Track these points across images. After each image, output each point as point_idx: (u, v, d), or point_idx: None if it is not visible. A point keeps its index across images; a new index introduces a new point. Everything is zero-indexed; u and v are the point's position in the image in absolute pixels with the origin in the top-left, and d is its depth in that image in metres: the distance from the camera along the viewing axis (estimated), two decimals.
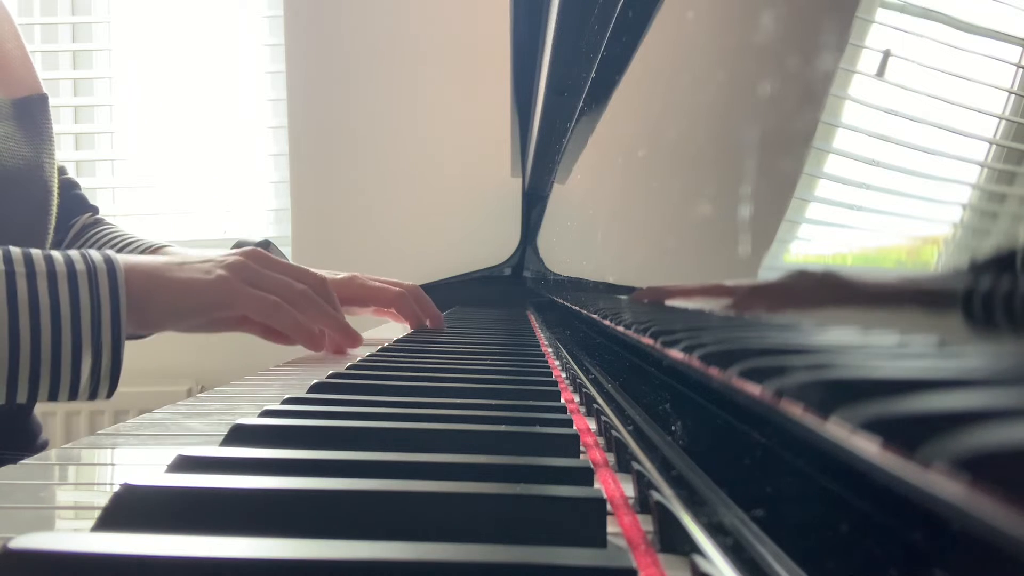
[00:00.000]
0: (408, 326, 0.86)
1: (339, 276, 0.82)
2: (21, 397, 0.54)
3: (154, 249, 0.85)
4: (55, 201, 0.78)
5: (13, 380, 0.53)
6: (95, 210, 0.92)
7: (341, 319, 0.69)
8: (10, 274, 0.53)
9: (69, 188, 0.89)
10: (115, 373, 0.57)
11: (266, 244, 0.88)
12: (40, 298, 0.53)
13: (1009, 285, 0.12)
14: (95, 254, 0.58)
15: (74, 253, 0.57)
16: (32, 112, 0.77)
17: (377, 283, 0.83)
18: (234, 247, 0.80)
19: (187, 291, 0.61)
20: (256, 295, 0.63)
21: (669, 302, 0.32)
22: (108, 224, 0.90)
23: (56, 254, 0.56)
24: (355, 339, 0.70)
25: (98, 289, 0.55)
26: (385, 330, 0.96)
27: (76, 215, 0.90)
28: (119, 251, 0.83)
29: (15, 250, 0.55)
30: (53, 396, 0.54)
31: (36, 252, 0.56)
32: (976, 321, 0.12)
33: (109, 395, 0.57)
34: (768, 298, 0.22)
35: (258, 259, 0.66)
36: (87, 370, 0.55)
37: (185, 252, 0.85)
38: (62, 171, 0.88)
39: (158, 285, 0.60)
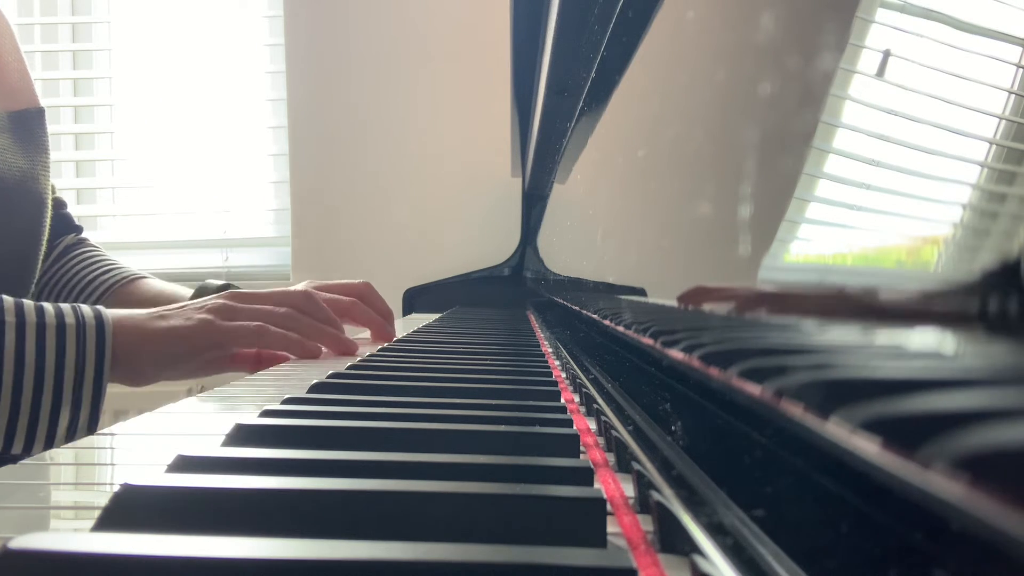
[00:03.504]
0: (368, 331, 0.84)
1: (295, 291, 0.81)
2: None
3: (130, 280, 0.87)
4: (49, 213, 0.79)
5: None
6: (79, 230, 0.95)
7: (331, 330, 0.69)
8: (0, 323, 0.54)
9: (58, 207, 0.91)
10: (92, 428, 0.57)
11: (228, 287, 0.88)
12: (27, 350, 0.54)
13: (1009, 285, 0.12)
14: (86, 309, 0.58)
15: (65, 306, 0.58)
16: (29, 125, 0.77)
17: (329, 294, 0.81)
18: (197, 291, 0.82)
19: (173, 339, 0.62)
20: (239, 326, 0.64)
21: (712, 306, 0.32)
22: (91, 247, 0.93)
23: (48, 306, 0.57)
24: (350, 347, 0.70)
25: (84, 344, 0.56)
26: None
27: (62, 234, 0.92)
28: (98, 275, 0.85)
29: (7, 299, 0.55)
30: (28, 447, 0.55)
31: (28, 303, 0.56)
32: (976, 321, 0.12)
33: None
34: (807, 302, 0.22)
35: (235, 297, 0.67)
36: (64, 424, 0.55)
37: (163, 288, 0.87)
38: (52, 189, 0.89)
39: (144, 338, 0.61)
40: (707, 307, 0.27)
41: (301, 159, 1.64)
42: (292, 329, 0.66)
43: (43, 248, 0.78)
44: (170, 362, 0.63)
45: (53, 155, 0.81)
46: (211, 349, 0.63)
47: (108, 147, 1.80)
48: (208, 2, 1.74)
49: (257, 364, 0.70)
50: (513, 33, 0.89)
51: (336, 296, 0.78)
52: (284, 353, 0.67)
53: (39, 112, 0.80)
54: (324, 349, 0.71)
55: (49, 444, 0.55)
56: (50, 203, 0.79)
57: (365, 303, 0.80)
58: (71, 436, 0.56)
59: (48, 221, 0.79)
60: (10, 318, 0.54)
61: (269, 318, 0.66)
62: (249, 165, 1.74)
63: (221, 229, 1.73)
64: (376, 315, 0.81)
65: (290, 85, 1.63)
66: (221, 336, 0.63)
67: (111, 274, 0.88)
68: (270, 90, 1.72)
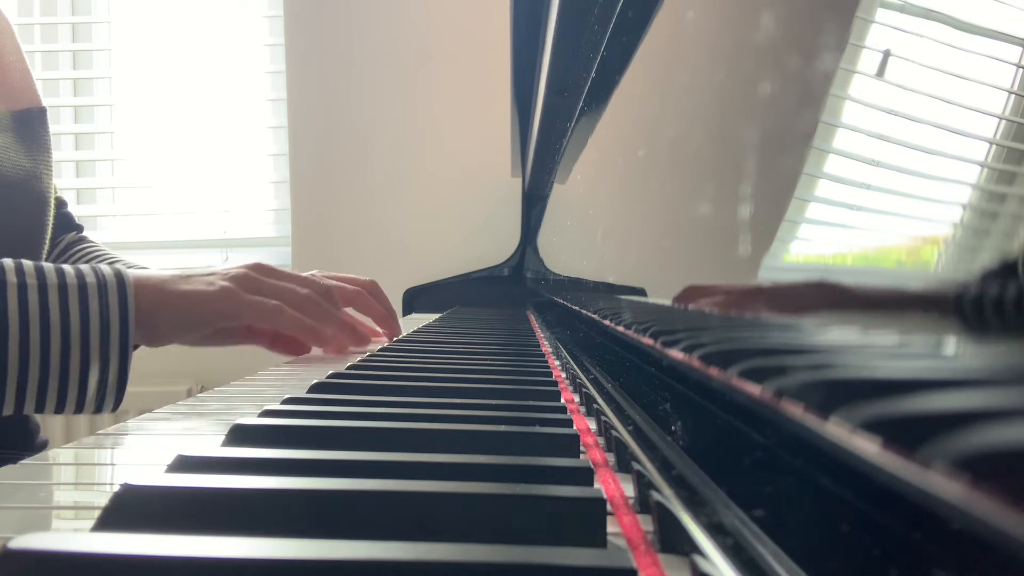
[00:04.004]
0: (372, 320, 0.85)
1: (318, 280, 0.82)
2: (28, 408, 0.54)
3: (136, 270, 0.88)
4: (51, 212, 0.79)
5: (21, 391, 0.53)
6: (80, 228, 0.96)
7: (348, 322, 0.70)
8: (21, 286, 0.54)
9: (58, 206, 0.91)
10: (121, 386, 0.57)
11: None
12: (51, 310, 0.54)
13: (1009, 285, 0.12)
14: (105, 268, 0.58)
15: (85, 267, 0.58)
16: (31, 124, 0.78)
17: (335, 282, 0.83)
18: None
19: (192, 303, 0.62)
20: (258, 301, 0.64)
21: (708, 305, 0.32)
22: (92, 243, 0.93)
23: (67, 267, 0.57)
24: (363, 338, 0.71)
25: (107, 301, 0.56)
26: None
27: (63, 233, 0.92)
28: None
29: (27, 263, 0.55)
30: (60, 408, 0.55)
31: (48, 265, 0.56)
32: (976, 321, 0.12)
33: (115, 408, 0.58)
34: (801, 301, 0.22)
35: (260, 270, 0.67)
36: (94, 382, 0.55)
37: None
38: (53, 188, 0.90)
39: (165, 298, 0.61)
40: (706, 307, 0.28)
41: (301, 159, 1.64)
42: (309, 313, 0.66)
43: (46, 247, 0.78)
44: (187, 325, 0.63)
45: (53, 155, 0.81)
46: (228, 318, 0.63)
47: (108, 147, 1.80)
48: (208, 2, 1.74)
49: (272, 343, 0.70)
50: (513, 33, 0.89)
51: (342, 284, 0.79)
52: (295, 334, 0.67)
53: (41, 112, 0.80)
54: (321, 351, 0.71)
55: (80, 404, 0.55)
56: (53, 202, 0.80)
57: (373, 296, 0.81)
58: (101, 395, 0.56)
59: (51, 220, 0.79)
60: (31, 280, 0.54)
61: (290, 297, 0.66)
62: (249, 165, 1.74)
63: (221, 229, 1.73)
64: (378, 306, 0.82)
65: (290, 85, 1.63)
66: (240, 306, 0.63)
67: (115, 266, 0.88)
68: (270, 90, 1.72)
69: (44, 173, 0.77)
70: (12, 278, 0.54)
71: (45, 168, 0.78)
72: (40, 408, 0.54)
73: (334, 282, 0.78)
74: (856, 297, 0.17)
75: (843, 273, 0.18)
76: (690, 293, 0.29)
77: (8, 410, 0.53)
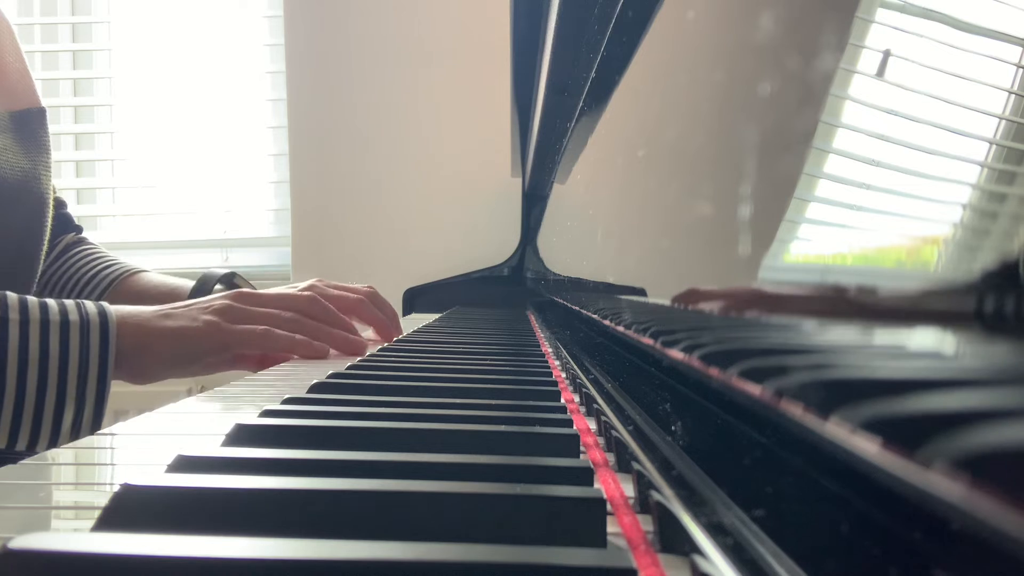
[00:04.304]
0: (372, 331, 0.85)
1: (299, 287, 0.81)
2: (0, 443, 0.54)
3: (132, 274, 0.87)
4: (50, 213, 0.79)
5: None
6: (79, 229, 0.95)
7: (339, 334, 0.69)
8: (3, 320, 0.54)
9: (57, 207, 0.91)
10: (96, 424, 0.57)
11: (231, 276, 0.88)
12: (30, 347, 0.54)
13: (1009, 285, 0.12)
14: (90, 305, 0.58)
15: (69, 303, 0.58)
16: (30, 125, 0.78)
17: (334, 293, 0.82)
18: (199, 282, 0.82)
19: (178, 340, 0.62)
20: (245, 329, 0.64)
21: (702, 306, 0.32)
22: (91, 244, 0.94)
23: (51, 302, 0.57)
24: (358, 347, 0.70)
25: (88, 341, 0.56)
26: None
27: (62, 234, 0.92)
28: (99, 271, 0.85)
29: (11, 296, 0.55)
30: (32, 446, 0.55)
31: (32, 299, 0.56)
32: (976, 321, 0.12)
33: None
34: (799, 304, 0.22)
35: (241, 299, 0.67)
36: (68, 421, 0.55)
37: (165, 280, 0.88)
38: (52, 189, 0.89)
39: (149, 336, 0.61)
40: (705, 307, 0.28)
41: (301, 159, 1.64)
42: (298, 332, 0.66)
43: (45, 247, 0.78)
44: (174, 362, 0.63)
45: (53, 155, 0.81)
46: (215, 352, 0.64)
47: (108, 147, 1.80)
48: (208, 2, 1.74)
49: (261, 365, 0.70)
50: (513, 33, 0.90)
51: (343, 293, 0.79)
52: (288, 353, 0.67)
53: (40, 112, 0.80)
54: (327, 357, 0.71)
55: (54, 442, 0.55)
56: (52, 203, 0.80)
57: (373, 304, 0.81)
58: (75, 433, 0.56)
59: (50, 221, 0.79)
60: (14, 315, 0.54)
61: (275, 322, 0.66)
62: (249, 165, 1.74)
63: (221, 229, 1.73)
64: (380, 315, 0.81)
65: (290, 85, 1.63)
66: (227, 338, 0.63)
67: (112, 269, 0.88)
68: (270, 90, 1.72)
69: (43, 174, 0.77)
70: None
71: (44, 169, 0.78)
72: (13, 443, 0.54)
73: (332, 291, 0.78)
74: (856, 297, 0.17)
75: (843, 273, 0.18)
76: (692, 296, 0.29)
77: None
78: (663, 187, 0.36)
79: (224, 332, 0.63)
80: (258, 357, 0.69)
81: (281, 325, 0.66)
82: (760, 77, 0.23)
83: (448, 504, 0.20)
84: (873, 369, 0.16)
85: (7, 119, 0.75)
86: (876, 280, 0.16)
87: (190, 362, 0.63)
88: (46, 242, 0.79)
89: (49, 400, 0.54)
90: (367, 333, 0.83)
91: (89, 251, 0.91)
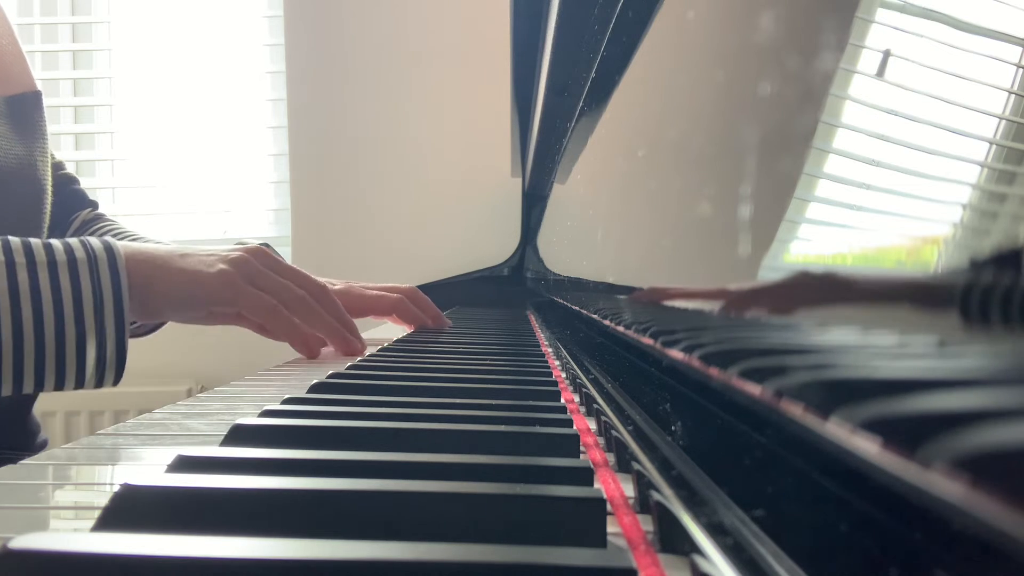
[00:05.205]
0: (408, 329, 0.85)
1: (335, 286, 0.81)
2: (27, 388, 0.54)
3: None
4: (48, 199, 0.78)
5: (19, 371, 0.53)
6: (95, 205, 0.92)
7: (338, 327, 0.69)
8: (10, 264, 0.53)
9: (68, 183, 0.89)
10: (120, 359, 0.57)
11: (265, 247, 0.88)
12: (41, 288, 0.54)
13: (1009, 285, 0.12)
14: (94, 241, 0.58)
15: (73, 241, 0.57)
16: (26, 109, 0.77)
17: (373, 292, 0.82)
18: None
19: (188, 282, 0.61)
20: (254, 294, 0.63)
21: (668, 303, 0.32)
22: (109, 220, 0.90)
23: (55, 243, 0.56)
24: (354, 347, 0.69)
25: (99, 276, 0.56)
26: (385, 330, 0.96)
27: (76, 210, 0.90)
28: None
29: (14, 240, 0.55)
30: (59, 386, 0.55)
31: (35, 241, 0.56)
32: (976, 321, 0.12)
33: (115, 382, 0.57)
34: (767, 300, 0.22)
35: (261, 257, 0.66)
36: (92, 358, 0.55)
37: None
38: (60, 167, 0.88)
39: (159, 273, 0.61)
40: (705, 307, 0.28)
41: (301, 159, 1.64)
42: (303, 316, 0.66)
43: (44, 233, 0.77)
44: (180, 304, 0.62)
45: (50, 139, 0.80)
46: (223, 303, 0.63)
47: (108, 147, 1.80)
48: (208, 2, 1.74)
49: (261, 331, 0.69)
50: (513, 33, 0.90)
51: (382, 293, 0.78)
52: (286, 340, 0.66)
53: (36, 96, 0.79)
54: (330, 348, 0.71)
55: (80, 380, 0.55)
56: (50, 188, 0.79)
57: (413, 303, 0.81)
58: (100, 370, 0.56)
59: (48, 207, 0.78)
60: (19, 259, 0.54)
61: (286, 294, 0.65)
62: (249, 165, 1.74)
63: (221, 229, 1.73)
64: (421, 314, 0.81)
65: (290, 85, 1.63)
66: (236, 294, 0.63)
67: (104, 239, 0.87)
68: (270, 90, 1.72)
69: (39, 160, 0.76)
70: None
71: (40, 155, 0.77)
72: (40, 386, 0.54)
73: (369, 292, 0.78)
74: (855, 297, 0.17)
75: (843, 273, 0.18)
76: (654, 294, 0.29)
77: (7, 390, 0.53)
78: (663, 187, 0.36)
79: (235, 289, 0.63)
80: (260, 324, 0.69)
81: (290, 301, 0.65)
82: (760, 77, 0.23)
83: (448, 504, 0.20)
84: (873, 369, 0.16)
85: (2, 104, 0.74)
86: (876, 280, 0.16)
87: (197, 307, 0.62)
88: (45, 228, 0.78)
89: (69, 336, 0.54)
90: (369, 336, 0.84)
91: (108, 227, 0.88)
